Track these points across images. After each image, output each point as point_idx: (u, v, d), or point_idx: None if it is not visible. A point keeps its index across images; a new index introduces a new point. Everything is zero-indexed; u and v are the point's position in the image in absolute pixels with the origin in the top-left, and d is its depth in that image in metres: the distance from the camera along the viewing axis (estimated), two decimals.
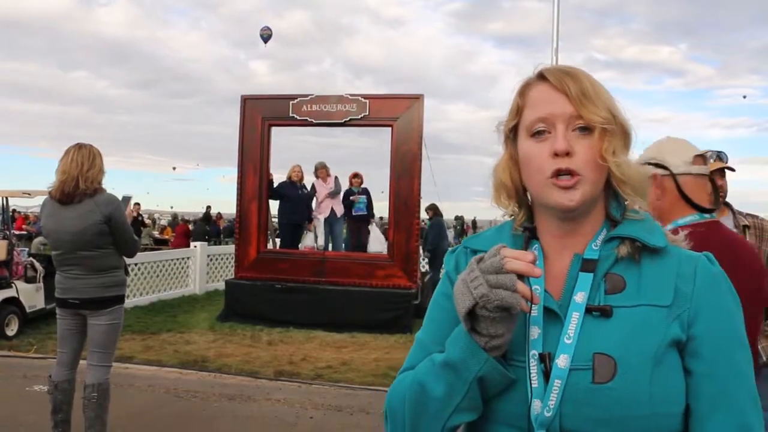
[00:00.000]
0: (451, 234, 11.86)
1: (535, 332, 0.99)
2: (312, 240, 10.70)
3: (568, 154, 0.99)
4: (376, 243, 10.60)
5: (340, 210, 10.64)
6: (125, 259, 4.00)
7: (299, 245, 10.63)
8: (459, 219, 28.83)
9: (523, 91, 1.08)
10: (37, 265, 8.00)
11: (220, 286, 10.73)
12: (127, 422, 4.54)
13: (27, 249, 10.65)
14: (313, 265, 8.86)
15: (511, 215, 1.13)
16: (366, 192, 11.08)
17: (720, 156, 2.98)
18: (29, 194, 8.51)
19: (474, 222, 34.30)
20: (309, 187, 10.60)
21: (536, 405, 0.95)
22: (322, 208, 10.48)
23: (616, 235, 1.03)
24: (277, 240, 10.97)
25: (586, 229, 1.05)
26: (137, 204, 19.30)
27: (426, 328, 1.13)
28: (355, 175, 11.07)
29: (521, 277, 0.91)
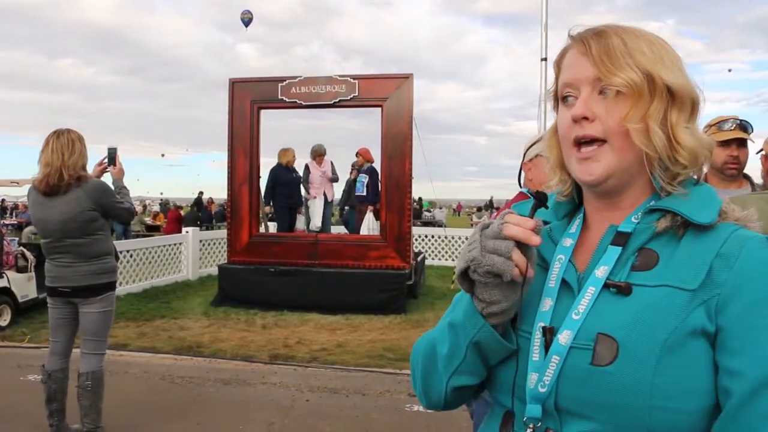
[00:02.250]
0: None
1: (546, 304, 0.95)
2: (303, 223, 10.59)
3: (586, 118, 0.93)
4: (365, 230, 10.19)
5: (331, 194, 10.52)
6: (115, 244, 3.98)
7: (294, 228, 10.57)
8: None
9: (560, 57, 1.03)
10: (27, 254, 7.94)
11: (213, 271, 10.69)
12: (122, 409, 4.54)
13: (17, 238, 10.57)
14: (305, 248, 8.84)
15: (557, 185, 1.09)
16: (370, 172, 10.36)
17: (742, 125, 2.94)
18: (17, 183, 8.44)
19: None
20: (301, 170, 10.49)
21: (533, 378, 0.92)
22: (316, 190, 10.38)
23: (658, 208, 0.94)
24: (270, 224, 10.90)
25: (627, 202, 0.97)
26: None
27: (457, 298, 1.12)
28: (356, 153, 10.60)
29: (526, 246, 0.88)
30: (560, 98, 0.99)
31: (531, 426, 0.92)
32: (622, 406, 0.84)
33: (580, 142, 0.94)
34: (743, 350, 0.82)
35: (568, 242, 0.97)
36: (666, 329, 0.84)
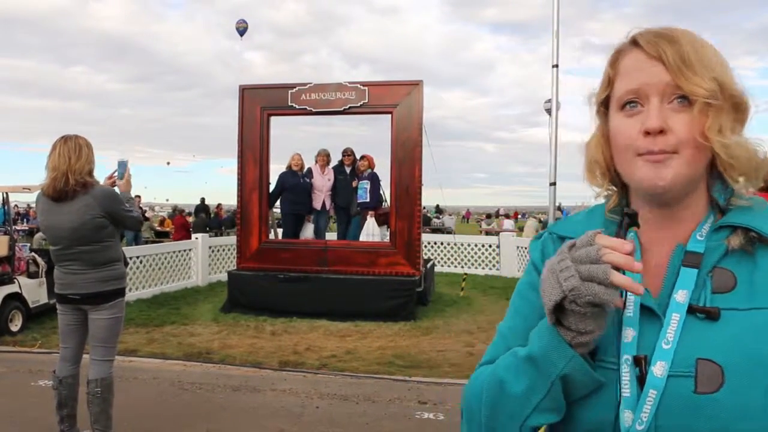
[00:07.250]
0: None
1: (629, 334, 0.87)
2: (311, 232, 10.36)
3: (662, 131, 0.86)
4: (366, 236, 9.85)
5: (328, 203, 10.34)
6: (124, 250, 3.98)
7: (300, 236, 10.45)
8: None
9: (615, 59, 0.96)
10: (38, 260, 7.98)
11: (223, 277, 10.71)
12: (132, 415, 4.53)
13: (28, 244, 10.63)
14: (315, 255, 8.84)
15: (606, 197, 1.01)
16: (371, 178, 10.09)
17: None
18: (29, 189, 8.48)
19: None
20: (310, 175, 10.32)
21: (627, 416, 0.84)
22: (316, 199, 10.10)
23: (728, 224, 0.89)
24: (279, 231, 10.85)
25: (687, 216, 0.92)
26: (138, 196, 19.25)
27: (508, 319, 1.03)
28: (361, 158, 10.26)
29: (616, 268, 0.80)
30: (619, 104, 0.92)
31: None
32: None
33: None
34: None
35: (638, 267, 0.84)
36: None
